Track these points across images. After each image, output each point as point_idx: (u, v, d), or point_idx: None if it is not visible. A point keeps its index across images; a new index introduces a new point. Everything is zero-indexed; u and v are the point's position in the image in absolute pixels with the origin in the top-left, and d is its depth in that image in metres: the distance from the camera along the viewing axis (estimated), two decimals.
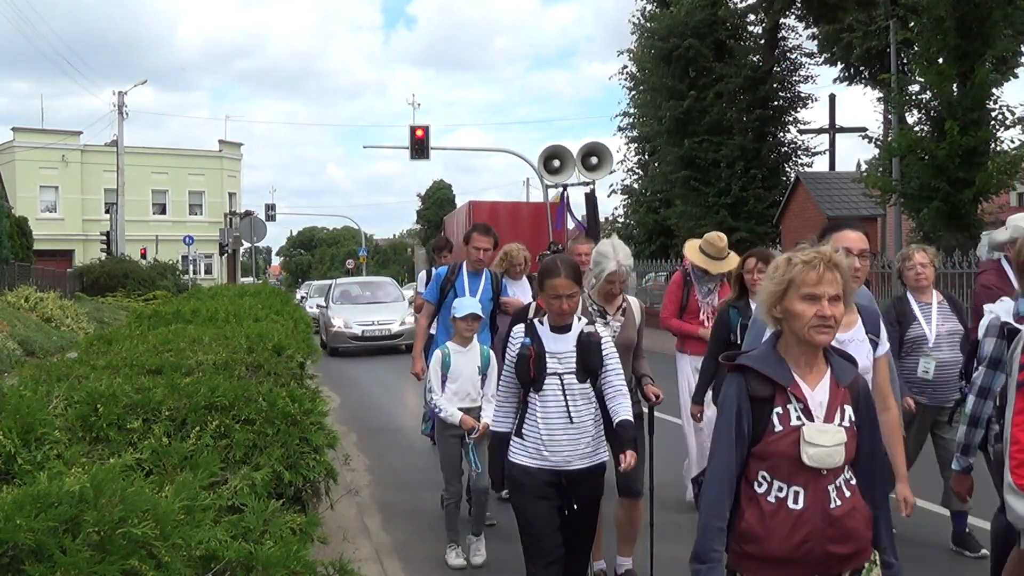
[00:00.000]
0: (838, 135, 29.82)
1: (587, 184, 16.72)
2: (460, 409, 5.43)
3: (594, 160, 16.72)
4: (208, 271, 49.41)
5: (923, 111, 17.24)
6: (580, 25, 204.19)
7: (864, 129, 20.40)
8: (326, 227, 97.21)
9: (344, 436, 7.21)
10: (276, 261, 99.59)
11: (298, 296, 32.28)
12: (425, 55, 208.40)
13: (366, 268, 55.71)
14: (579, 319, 4.02)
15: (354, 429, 10.16)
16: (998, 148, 16.44)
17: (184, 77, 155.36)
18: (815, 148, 30.20)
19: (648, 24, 29.81)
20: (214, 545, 2.24)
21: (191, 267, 42.62)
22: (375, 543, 5.91)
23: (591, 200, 17.28)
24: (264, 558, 2.28)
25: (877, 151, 19.60)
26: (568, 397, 3.87)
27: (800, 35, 29.79)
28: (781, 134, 29.80)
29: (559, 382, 3.88)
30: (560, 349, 3.91)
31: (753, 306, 5.02)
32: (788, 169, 29.75)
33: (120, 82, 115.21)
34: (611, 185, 36.50)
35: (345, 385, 14.43)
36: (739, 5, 29.27)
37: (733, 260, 6.38)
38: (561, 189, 18.14)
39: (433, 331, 6.86)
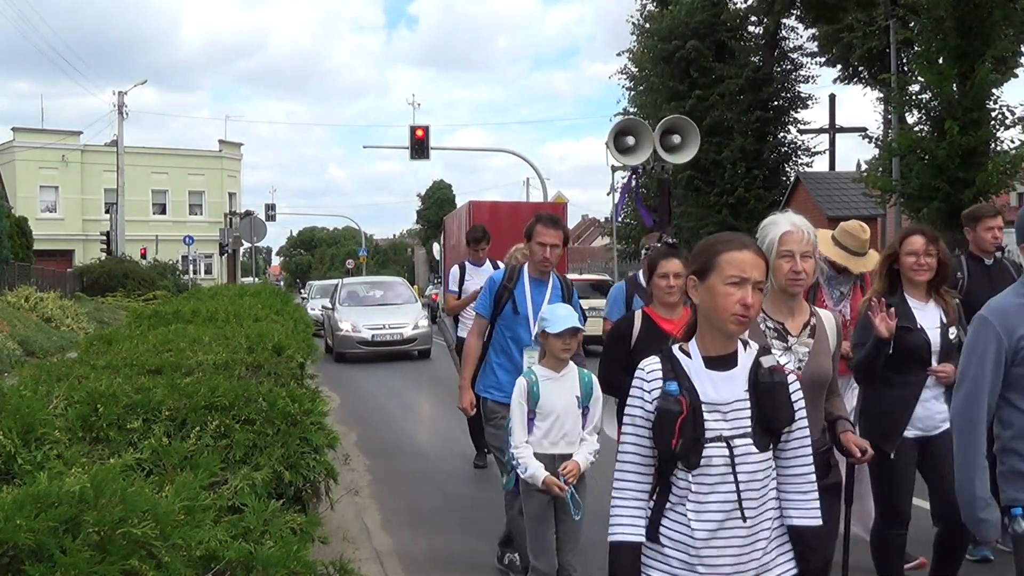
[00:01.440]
0: (838, 135, 29.85)
1: (662, 167, 13.75)
2: (556, 456, 4.08)
3: (676, 139, 14.12)
4: (208, 271, 49.41)
5: (923, 111, 17.25)
6: (581, 25, 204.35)
7: (864, 129, 20.42)
8: (326, 227, 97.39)
9: (344, 436, 7.20)
10: (276, 261, 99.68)
11: (299, 297, 30.64)
12: (426, 55, 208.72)
13: (366, 268, 55.73)
14: (747, 345, 2.50)
15: (354, 429, 10.16)
16: (998, 148, 16.44)
17: (186, 77, 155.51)
18: (815, 148, 30.25)
19: (647, 24, 29.83)
20: (214, 545, 2.24)
21: (191, 267, 42.61)
22: (375, 543, 5.91)
23: (666, 188, 14.53)
24: (264, 558, 2.28)
25: (877, 151, 19.61)
26: (741, 477, 2.37)
27: (800, 35, 29.83)
28: (781, 134, 29.85)
29: (727, 452, 2.37)
30: (724, 396, 2.41)
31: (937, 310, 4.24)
32: (788, 169, 29.79)
33: (121, 82, 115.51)
34: (612, 184, 36.52)
35: (348, 387, 14.42)
36: (740, 6, 29.29)
37: (874, 256, 5.05)
38: (620, 175, 15.13)
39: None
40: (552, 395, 4.09)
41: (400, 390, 14.04)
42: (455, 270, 8.07)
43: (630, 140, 13.80)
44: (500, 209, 22.33)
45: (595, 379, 4.21)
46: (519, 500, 4.37)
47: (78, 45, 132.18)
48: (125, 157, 36.16)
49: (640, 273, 5.81)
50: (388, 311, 18.80)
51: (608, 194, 16.50)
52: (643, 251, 5.87)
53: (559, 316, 4.11)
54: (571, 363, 4.16)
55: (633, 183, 15.56)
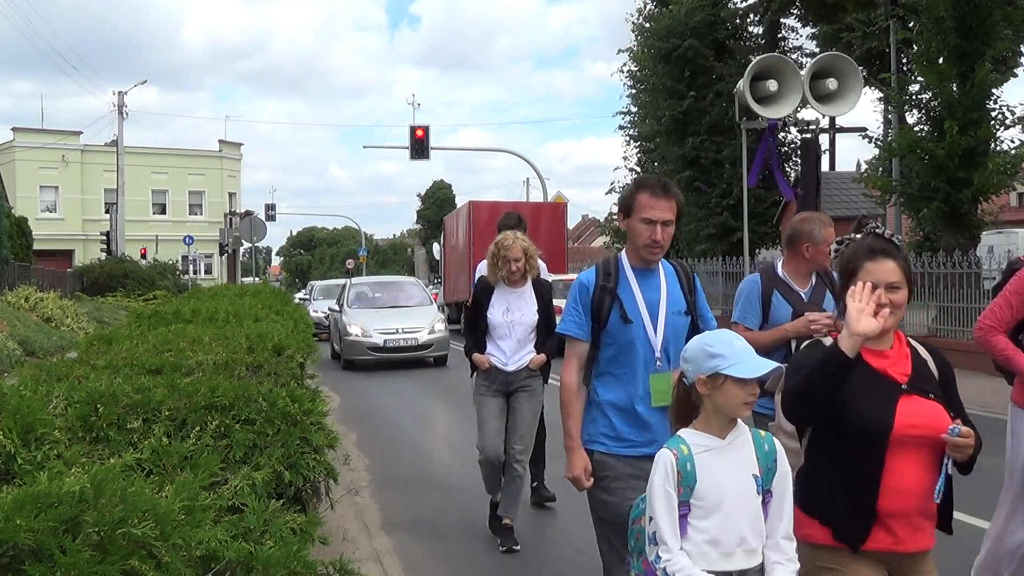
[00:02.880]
0: (838, 135, 29.81)
1: (807, 123, 9.98)
2: (734, 574, 2.62)
3: (831, 85, 10.66)
4: (208, 271, 49.43)
5: (923, 111, 17.25)
6: (583, 25, 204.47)
7: (864, 129, 20.42)
8: (326, 227, 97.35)
9: (344, 436, 7.21)
10: (276, 261, 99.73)
11: (298, 297, 28.83)
12: (428, 55, 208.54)
13: (366, 268, 55.72)
14: None
15: (354, 429, 10.17)
16: (998, 148, 16.44)
17: (187, 77, 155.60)
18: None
19: (647, 24, 29.85)
20: (214, 545, 2.24)
21: (191, 267, 42.65)
22: (375, 543, 5.91)
23: (812, 150, 10.88)
24: (264, 558, 2.29)
25: (877, 151, 19.63)
26: None
27: (800, 35, 29.84)
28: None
29: None
30: None
31: None
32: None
33: (122, 82, 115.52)
34: (612, 183, 36.56)
35: (348, 387, 14.42)
36: (739, 5, 29.30)
37: None
38: (764, 131, 11.09)
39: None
40: (717, 477, 2.61)
41: (400, 390, 14.04)
42: (484, 265, 6.47)
43: (771, 85, 10.49)
44: (500, 209, 22.26)
45: (778, 445, 2.74)
46: None
47: (79, 45, 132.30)
48: (125, 157, 36.18)
49: (779, 263, 4.56)
50: (401, 314, 17.28)
51: (744, 163, 13.85)
52: (833, 249, 4.06)
53: (739, 350, 2.62)
54: (741, 424, 2.70)
55: (770, 143, 11.20)
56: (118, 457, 2.76)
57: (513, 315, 5.91)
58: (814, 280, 4.45)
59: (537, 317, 5.96)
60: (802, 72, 9.34)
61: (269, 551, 2.32)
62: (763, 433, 2.76)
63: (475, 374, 6.10)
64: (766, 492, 2.67)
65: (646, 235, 3.44)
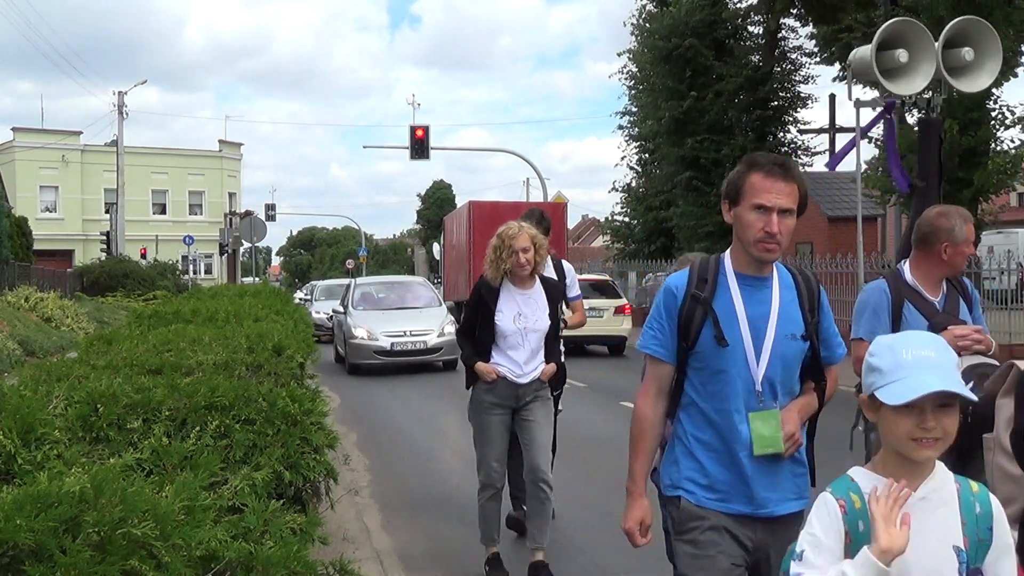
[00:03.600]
0: (838, 135, 29.84)
1: (927, 102, 8.50)
2: None
3: (966, 55, 8.75)
4: (208, 271, 49.45)
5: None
6: (584, 25, 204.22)
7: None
8: (326, 227, 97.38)
9: (344, 436, 7.20)
10: (276, 261, 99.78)
11: (297, 298, 27.89)
12: (429, 55, 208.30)
13: (366, 268, 55.73)
14: None
15: (354, 429, 10.17)
16: (998, 148, 16.46)
17: (188, 77, 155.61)
18: (815, 148, 30.25)
19: (646, 24, 29.88)
20: (214, 545, 2.24)
21: (191, 267, 42.67)
22: (375, 543, 5.91)
23: (933, 132, 9.15)
24: (264, 558, 2.29)
25: (877, 151, 19.63)
26: None
27: (800, 35, 29.85)
28: (781, 134, 29.86)
29: None
30: None
31: None
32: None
33: (122, 82, 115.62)
34: (613, 182, 36.60)
35: (348, 387, 14.42)
36: (739, 5, 29.32)
37: None
38: (882, 111, 9.38)
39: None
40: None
41: (401, 390, 14.03)
42: None
43: (901, 56, 8.53)
44: (500, 209, 22.27)
45: (996, 506, 1.95)
46: None
47: (79, 45, 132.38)
48: (125, 157, 36.19)
49: (905, 267, 3.89)
50: (409, 316, 16.52)
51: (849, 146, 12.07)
52: None
53: (904, 363, 1.87)
54: (937, 463, 1.93)
55: (892, 124, 9.75)
56: (118, 457, 2.76)
57: (526, 321, 5.13)
58: (945, 287, 3.84)
59: (550, 323, 5.20)
60: (936, 43, 7.88)
61: (269, 551, 2.32)
62: (976, 487, 1.95)
63: (475, 386, 5.27)
64: (974, 573, 1.90)
65: (758, 226, 2.66)
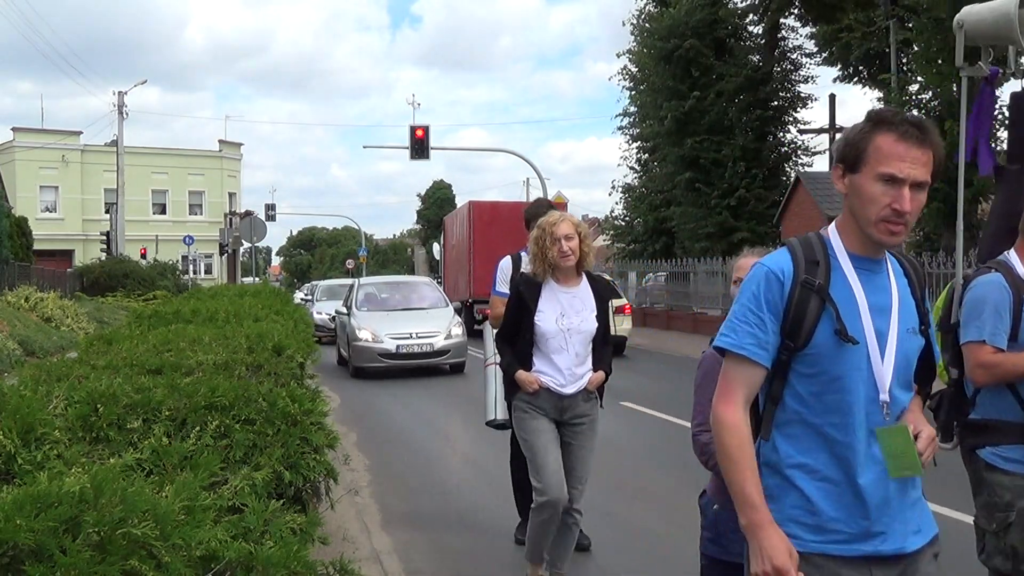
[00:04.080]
0: (838, 135, 29.86)
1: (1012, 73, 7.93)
2: None
3: None
4: (208, 271, 49.48)
5: (923, 111, 17.29)
6: (584, 25, 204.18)
7: None
8: (326, 227, 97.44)
9: (344, 436, 7.20)
10: (276, 261, 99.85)
11: (298, 298, 27.67)
12: (429, 55, 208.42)
13: (366, 268, 55.75)
14: None
15: (354, 429, 10.17)
16: (998, 148, 16.47)
17: (189, 77, 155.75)
18: (815, 148, 30.30)
19: (646, 24, 29.92)
20: (214, 545, 2.24)
21: (191, 267, 42.69)
22: (375, 543, 5.91)
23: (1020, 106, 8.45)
24: (264, 558, 2.29)
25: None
26: None
27: (800, 35, 29.89)
28: (781, 134, 29.91)
29: None
30: None
31: None
32: (788, 169, 29.83)
33: (123, 82, 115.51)
34: (613, 181, 36.65)
35: (348, 387, 14.42)
36: (739, 5, 29.34)
37: None
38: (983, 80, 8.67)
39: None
40: None
41: (401, 390, 14.03)
42: (506, 263, 5.68)
43: None
44: (500, 209, 22.30)
45: None
46: None
47: (79, 45, 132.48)
48: (125, 157, 36.20)
49: (1014, 260, 3.46)
50: (415, 317, 15.91)
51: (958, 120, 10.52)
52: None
53: None
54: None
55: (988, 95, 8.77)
56: (118, 457, 2.76)
57: (570, 321, 4.58)
58: None
59: (597, 324, 4.66)
60: None
61: (269, 551, 2.32)
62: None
63: (515, 397, 4.71)
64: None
65: (884, 202, 2.14)
